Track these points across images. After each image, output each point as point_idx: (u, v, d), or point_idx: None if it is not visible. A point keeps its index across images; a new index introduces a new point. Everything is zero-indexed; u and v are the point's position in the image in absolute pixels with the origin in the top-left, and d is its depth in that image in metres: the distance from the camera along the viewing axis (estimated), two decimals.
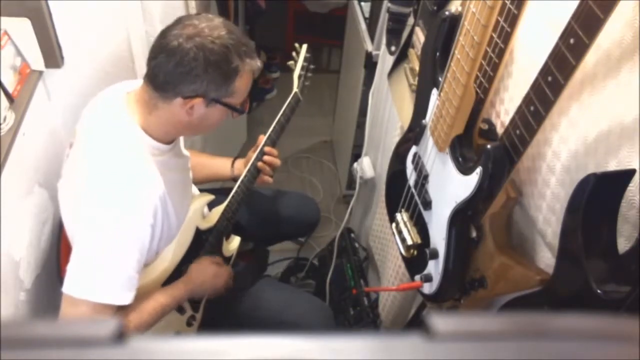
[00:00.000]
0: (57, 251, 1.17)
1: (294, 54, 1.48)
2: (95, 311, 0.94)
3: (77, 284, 0.94)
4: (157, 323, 1.08)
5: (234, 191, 1.31)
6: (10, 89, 0.95)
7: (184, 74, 0.94)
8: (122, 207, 0.96)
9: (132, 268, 0.98)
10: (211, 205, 1.33)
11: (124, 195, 0.97)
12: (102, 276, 0.96)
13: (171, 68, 0.94)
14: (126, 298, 0.98)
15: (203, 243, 1.25)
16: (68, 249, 1.12)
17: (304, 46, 1.47)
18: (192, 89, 0.96)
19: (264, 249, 1.83)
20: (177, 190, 1.11)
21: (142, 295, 1.04)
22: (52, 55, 1.04)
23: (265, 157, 1.33)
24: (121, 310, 1.00)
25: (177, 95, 0.97)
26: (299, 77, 1.43)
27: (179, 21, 0.97)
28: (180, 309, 1.25)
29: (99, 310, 0.95)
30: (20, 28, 0.98)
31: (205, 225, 1.26)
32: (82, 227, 0.97)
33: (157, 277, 1.14)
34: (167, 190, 1.04)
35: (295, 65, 1.45)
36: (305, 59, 1.46)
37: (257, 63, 1.02)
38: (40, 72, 1.05)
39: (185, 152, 1.22)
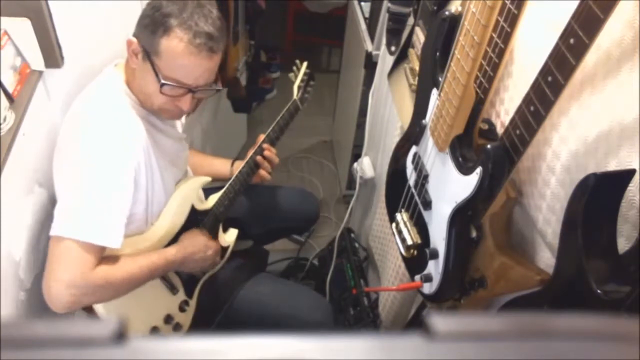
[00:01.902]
0: None
1: (294, 68, 1.58)
2: (82, 250, 0.95)
3: (62, 224, 0.95)
4: (146, 282, 1.08)
5: (231, 180, 1.35)
6: (10, 89, 0.95)
7: (139, 17, 1.03)
8: (103, 147, 0.99)
9: (118, 210, 0.99)
10: (209, 194, 1.36)
11: (104, 135, 1.00)
12: (87, 215, 0.96)
13: None
14: (112, 240, 0.98)
15: (198, 223, 1.27)
16: None
17: (304, 63, 1.59)
18: (135, 30, 1.03)
19: (263, 249, 1.84)
20: (164, 153, 1.14)
21: (132, 252, 1.06)
22: (52, 55, 1.04)
23: (265, 152, 1.38)
24: (111, 257, 1.01)
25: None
26: (298, 87, 1.53)
27: None
28: (172, 288, 1.25)
29: (86, 250, 0.95)
30: (20, 28, 0.98)
31: (201, 206, 1.29)
32: (66, 170, 1.00)
33: (151, 246, 1.15)
34: (152, 146, 1.08)
35: (295, 78, 1.56)
36: (305, 74, 1.57)
37: (196, 40, 0.96)
38: (40, 72, 1.05)
39: (183, 134, 1.26)
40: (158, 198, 1.15)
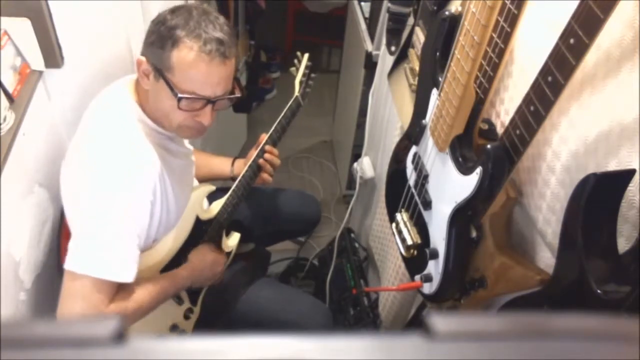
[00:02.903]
0: (57, 251, 1.16)
1: (295, 61, 1.54)
2: (96, 287, 0.94)
3: (77, 259, 0.94)
4: (157, 307, 1.08)
5: (235, 185, 1.34)
6: (10, 89, 0.95)
7: (145, 35, 1.00)
8: (120, 181, 0.97)
9: (133, 245, 0.98)
10: (212, 200, 1.34)
11: (121, 169, 0.97)
12: (102, 252, 0.95)
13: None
14: (127, 276, 0.97)
15: (202, 234, 1.27)
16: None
17: (306, 55, 1.55)
18: (142, 49, 1.00)
19: (265, 250, 1.84)
20: (177, 175, 1.11)
21: (143, 278, 1.04)
22: (52, 55, 1.04)
23: (267, 155, 1.36)
24: (123, 289, 1.00)
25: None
26: (300, 82, 1.49)
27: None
28: (178, 299, 1.25)
29: (100, 286, 0.94)
30: (20, 28, 0.98)
31: (205, 216, 1.28)
32: (82, 204, 0.98)
33: (157, 262, 1.14)
34: (167, 172, 1.06)
35: (297, 72, 1.52)
36: (307, 67, 1.53)
37: (207, 47, 0.94)
38: (40, 72, 1.05)
39: (189, 145, 1.24)
40: (172, 222, 1.14)
